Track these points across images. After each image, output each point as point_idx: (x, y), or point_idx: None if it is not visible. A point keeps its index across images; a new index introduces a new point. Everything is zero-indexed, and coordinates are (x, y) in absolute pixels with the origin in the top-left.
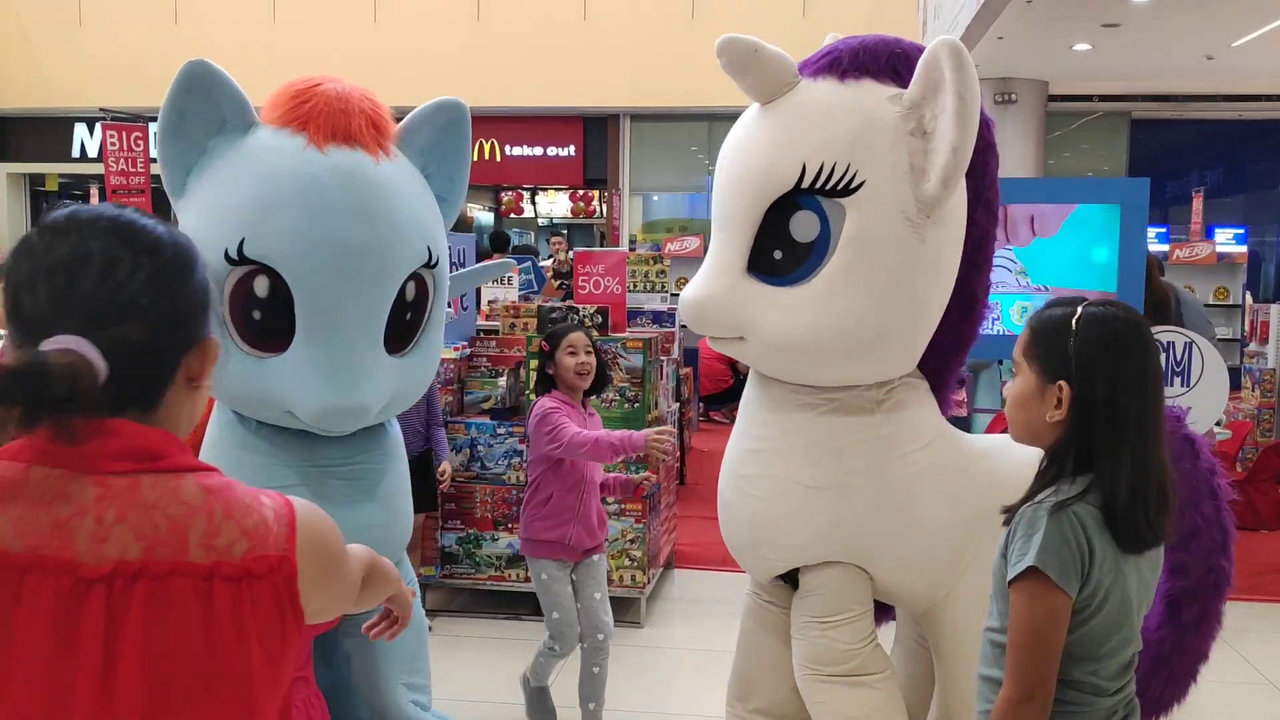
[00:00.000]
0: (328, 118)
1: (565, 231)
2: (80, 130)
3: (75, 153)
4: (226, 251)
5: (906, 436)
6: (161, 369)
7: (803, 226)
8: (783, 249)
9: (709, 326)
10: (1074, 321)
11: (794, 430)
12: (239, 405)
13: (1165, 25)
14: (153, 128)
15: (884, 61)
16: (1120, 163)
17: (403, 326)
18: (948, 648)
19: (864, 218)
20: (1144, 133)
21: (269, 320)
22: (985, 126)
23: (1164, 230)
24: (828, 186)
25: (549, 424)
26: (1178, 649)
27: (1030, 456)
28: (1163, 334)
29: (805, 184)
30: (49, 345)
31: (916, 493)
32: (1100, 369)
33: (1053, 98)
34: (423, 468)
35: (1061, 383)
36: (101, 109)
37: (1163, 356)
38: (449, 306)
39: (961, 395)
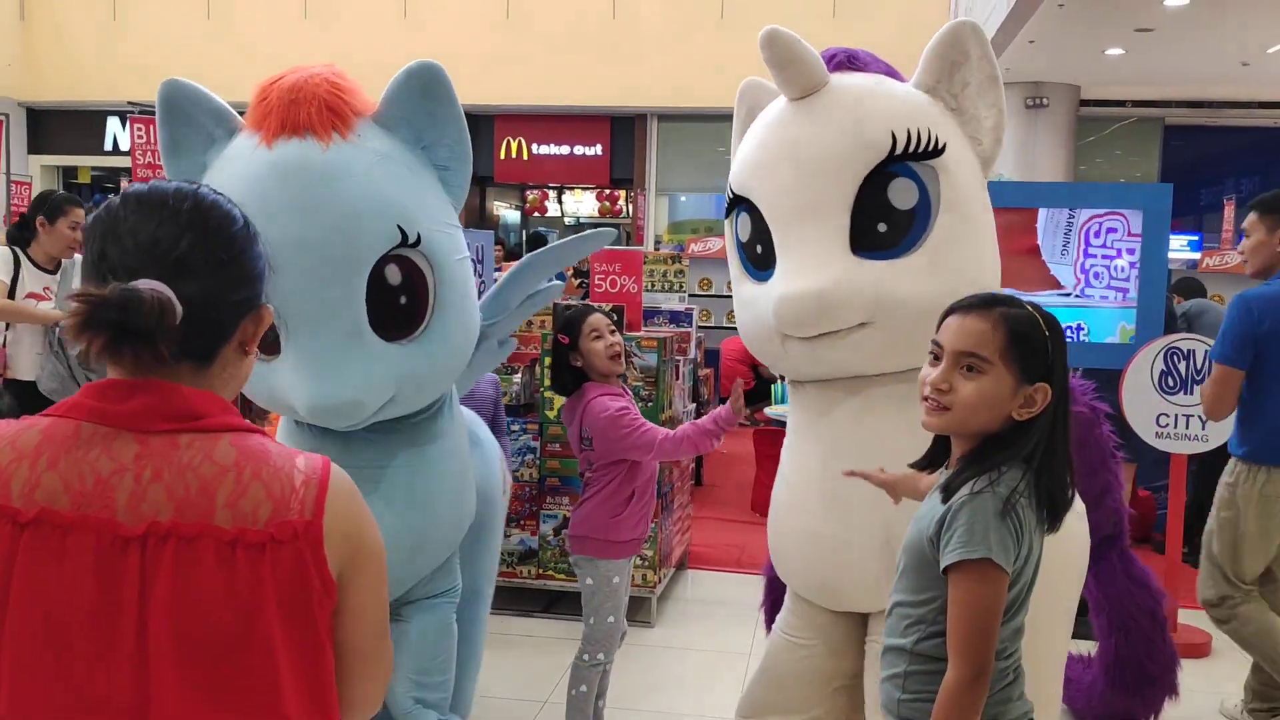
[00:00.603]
0: (278, 111)
1: (555, 232)
2: (113, 124)
3: (108, 146)
4: None
5: None
6: (223, 326)
7: (902, 194)
8: (887, 221)
9: (832, 318)
10: (1042, 322)
11: (893, 440)
12: (267, 408)
13: (1199, 30)
14: None
15: (860, 62)
16: (1153, 169)
17: (397, 312)
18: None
19: (954, 177)
20: (1177, 139)
21: None
22: None
23: (1196, 238)
24: (920, 150)
25: (627, 426)
26: (1118, 597)
27: None
28: (1182, 342)
29: (899, 150)
30: (139, 284)
31: None
32: (1062, 368)
33: (1085, 103)
34: None
35: (1042, 386)
36: (130, 102)
37: (1183, 364)
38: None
39: None
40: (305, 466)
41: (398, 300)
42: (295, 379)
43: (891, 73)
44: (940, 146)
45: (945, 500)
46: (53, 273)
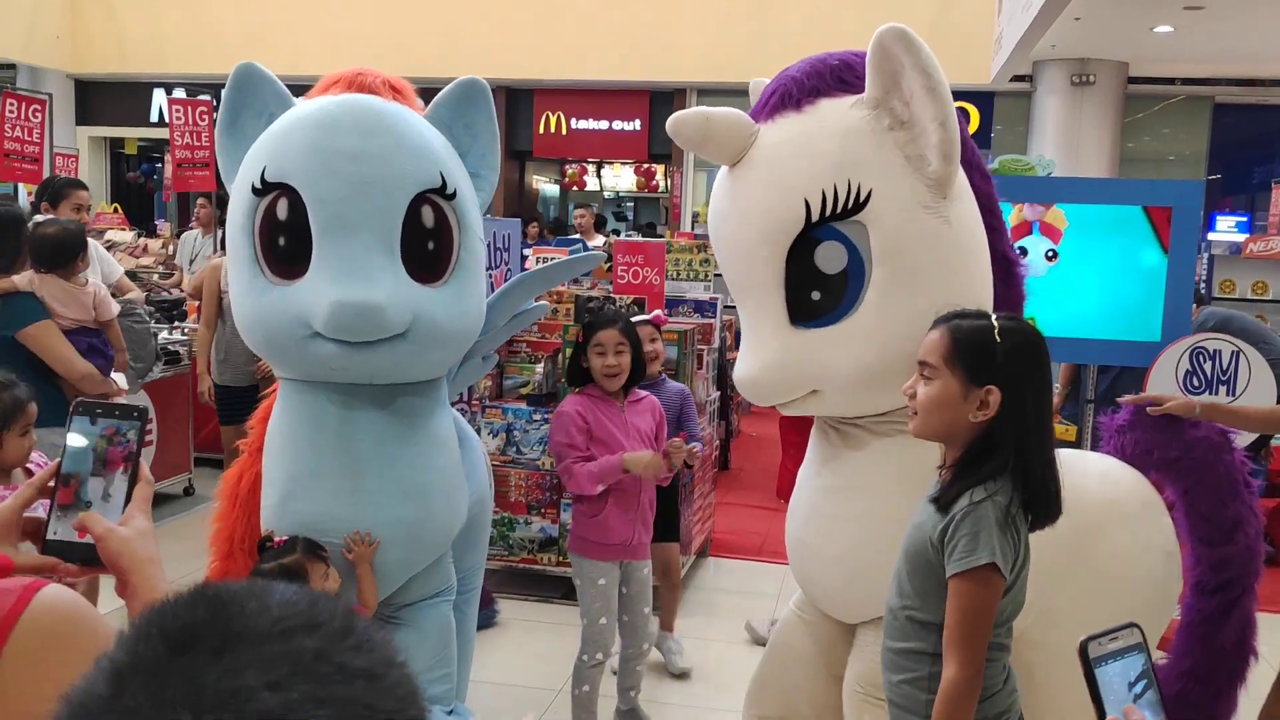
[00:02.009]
0: (348, 80)
1: (593, 206)
2: (159, 96)
3: (154, 117)
4: (253, 184)
5: None
6: None
7: (830, 258)
8: (819, 288)
9: (778, 394)
10: (996, 332)
11: (880, 462)
12: (272, 347)
13: (1250, 8)
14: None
15: (830, 78)
16: (1202, 148)
17: (426, 255)
18: (1047, 664)
19: (885, 226)
20: (1228, 117)
21: (292, 243)
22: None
23: (1245, 219)
24: (839, 210)
25: (555, 445)
26: (1217, 650)
27: (1099, 470)
28: (1208, 341)
29: (815, 217)
30: None
31: None
32: (1025, 376)
33: (1132, 80)
34: None
35: (991, 388)
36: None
37: (1209, 364)
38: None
39: None
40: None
41: (426, 242)
42: (322, 284)
43: (852, 75)
44: (863, 199)
45: (941, 510)
46: None
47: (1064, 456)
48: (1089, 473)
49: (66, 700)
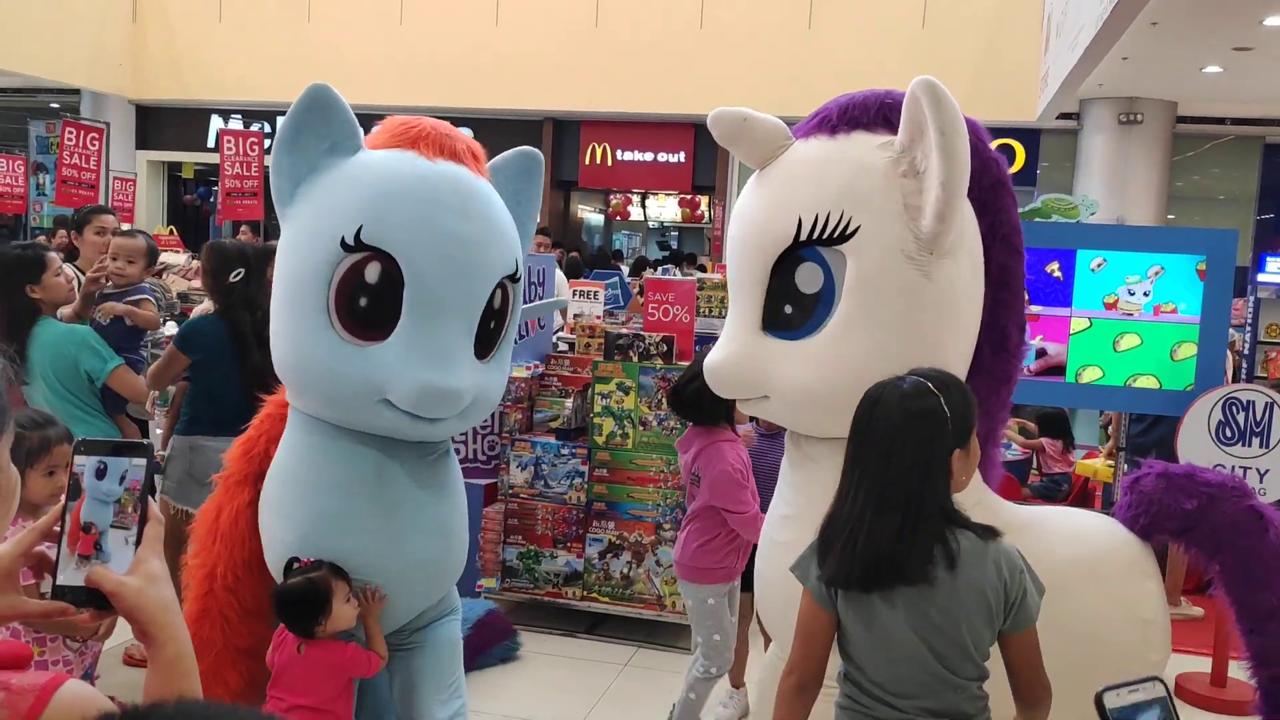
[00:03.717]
0: (435, 139)
1: (548, 232)
2: (216, 122)
3: (211, 143)
4: (343, 238)
5: None
6: None
7: (807, 278)
8: (792, 303)
9: (732, 388)
10: (867, 399)
11: (827, 493)
12: (327, 399)
13: None
14: (267, 137)
15: (874, 112)
16: (1252, 188)
17: (487, 333)
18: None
19: (864, 262)
20: (1278, 157)
21: (375, 307)
22: (995, 164)
23: None
24: (824, 236)
25: (736, 499)
26: None
27: (1071, 534)
28: (1241, 392)
29: (803, 236)
30: None
31: None
32: (854, 430)
33: (1181, 119)
34: None
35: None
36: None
37: (1241, 415)
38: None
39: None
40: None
41: (490, 322)
42: (408, 362)
43: (899, 115)
44: (849, 232)
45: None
46: None
47: (1043, 515)
48: (1058, 533)
49: None
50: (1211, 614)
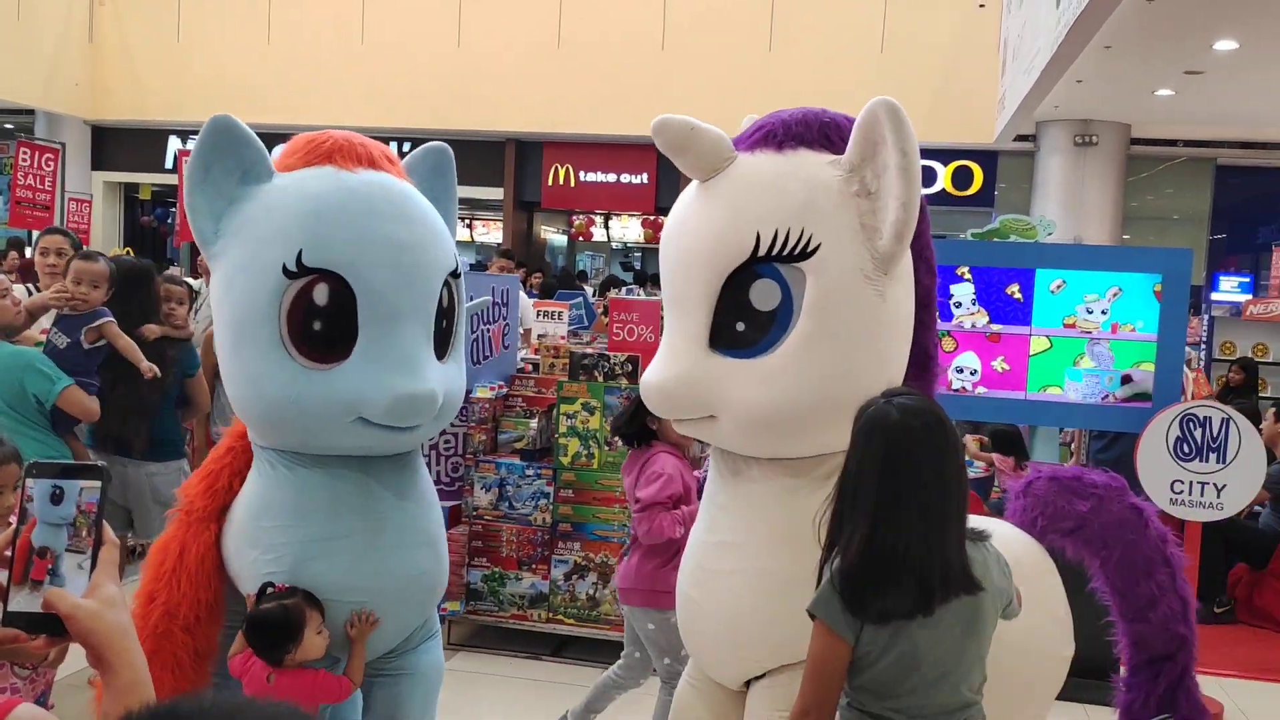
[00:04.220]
0: (350, 150)
1: (512, 254)
2: (174, 143)
3: (169, 164)
4: (284, 265)
5: None
6: None
7: (763, 295)
8: (745, 320)
9: (676, 409)
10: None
11: (770, 518)
12: (299, 430)
13: (1249, 73)
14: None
15: (816, 131)
16: (1204, 208)
17: (440, 334)
18: None
19: (824, 281)
20: (1231, 179)
21: (330, 328)
22: None
23: (1248, 280)
24: (785, 252)
25: (663, 496)
26: None
27: (999, 542)
28: (1198, 409)
29: (761, 252)
30: None
31: None
32: (852, 454)
33: (1135, 141)
34: None
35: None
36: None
37: (1199, 431)
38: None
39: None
40: None
41: (441, 322)
42: (375, 376)
43: (839, 135)
44: (810, 249)
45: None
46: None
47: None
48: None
49: None
50: None
